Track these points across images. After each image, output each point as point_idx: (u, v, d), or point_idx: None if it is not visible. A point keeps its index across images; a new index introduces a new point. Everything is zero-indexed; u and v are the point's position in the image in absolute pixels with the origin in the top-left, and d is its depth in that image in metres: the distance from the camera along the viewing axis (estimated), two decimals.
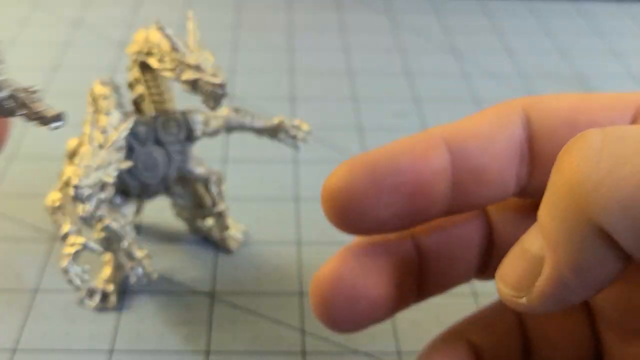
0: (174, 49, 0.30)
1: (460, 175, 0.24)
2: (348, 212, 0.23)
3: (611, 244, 0.19)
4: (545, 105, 0.25)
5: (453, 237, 0.26)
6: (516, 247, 0.22)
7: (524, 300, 0.21)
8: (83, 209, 0.28)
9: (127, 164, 0.29)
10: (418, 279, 0.26)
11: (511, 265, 0.21)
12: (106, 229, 0.33)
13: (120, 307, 0.35)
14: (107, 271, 0.36)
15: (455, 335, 0.26)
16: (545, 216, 0.20)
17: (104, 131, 0.30)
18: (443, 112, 0.52)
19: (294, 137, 0.36)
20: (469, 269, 0.26)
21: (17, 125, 0.48)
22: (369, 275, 0.24)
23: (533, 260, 0.20)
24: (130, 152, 0.33)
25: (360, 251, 0.25)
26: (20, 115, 0.24)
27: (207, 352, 0.33)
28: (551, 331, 0.27)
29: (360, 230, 0.24)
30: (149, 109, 0.34)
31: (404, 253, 0.25)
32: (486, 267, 0.26)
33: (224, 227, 0.39)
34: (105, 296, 0.35)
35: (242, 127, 0.36)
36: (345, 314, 0.24)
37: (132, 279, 0.33)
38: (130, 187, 0.34)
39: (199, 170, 0.36)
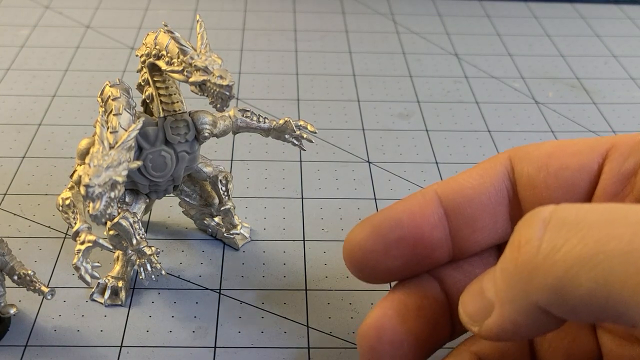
0: (182, 51, 0.31)
1: (455, 224, 0.27)
2: (364, 266, 0.27)
3: (546, 312, 0.21)
4: (525, 154, 0.28)
5: (473, 276, 0.28)
6: (476, 282, 0.25)
7: (476, 329, 0.24)
8: (93, 207, 0.28)
9: (136, 164, 0.29)
10: (450, 318, 0.28)
11: (470, 298, 0.25)
12: (116, 226, 0.33)
13: (129, 303, 0.36)
14: (117, 268, 0.36)
15: (462, 350, 0.28)
16: (498, 275, 0.23)
17: (114, 131, 0.30)
18: (445, 113, 0.53)
19: (299, 138, 0.37)
20: None
21: (26, 126, 0.49)
22: (407, 320, 0.27)
23: (486, 303, 0.24)
24: (139, 152, 0.33)
25: (397, 300, 0.27)
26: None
27: (214, 348, 0.34)
28: (555, 337, 0.27)
29: (378, 279, 0.28)
30: (158, 110, 0.34)
31: (434, 296, 0.28)
32: None
33: (230, 225, 0.39)
34: (115, 292, 0.36)
35: (248, 128, 0.36)
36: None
37: (141, 276, 0.34)
38: (140, 186, 0.35)
39: (207, 169, 0.37)
